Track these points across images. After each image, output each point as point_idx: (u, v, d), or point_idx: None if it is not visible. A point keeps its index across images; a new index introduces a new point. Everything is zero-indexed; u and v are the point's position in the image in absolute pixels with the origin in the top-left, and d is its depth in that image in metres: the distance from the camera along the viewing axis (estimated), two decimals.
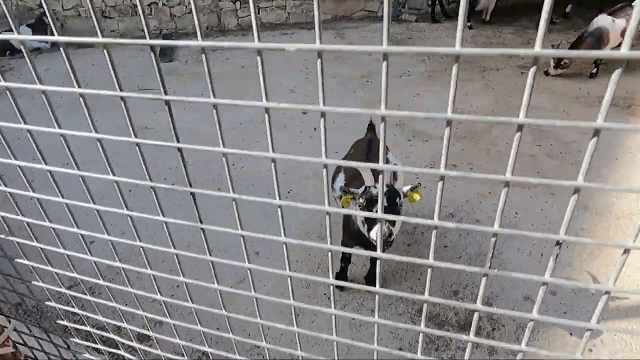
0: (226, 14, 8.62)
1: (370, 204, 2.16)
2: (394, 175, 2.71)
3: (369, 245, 2.44)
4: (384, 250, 2.09)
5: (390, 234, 2.03)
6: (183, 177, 4.04)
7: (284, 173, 3.99)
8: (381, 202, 0.62)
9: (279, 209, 0.74)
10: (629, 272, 2.77)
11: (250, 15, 8.70)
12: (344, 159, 2.96)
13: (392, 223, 2.09)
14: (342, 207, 2.34)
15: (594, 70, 5.70)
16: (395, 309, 2.64)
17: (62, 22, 8.00)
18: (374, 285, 2.90)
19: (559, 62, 5.60)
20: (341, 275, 2.81)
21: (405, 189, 2.30)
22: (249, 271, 0.85)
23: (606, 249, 3.00)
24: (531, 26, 8.05)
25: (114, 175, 0.76)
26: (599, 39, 5.34)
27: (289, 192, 3.74)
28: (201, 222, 0.78)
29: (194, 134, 4.69)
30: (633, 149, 4.12)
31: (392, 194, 2.15)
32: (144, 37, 0.56)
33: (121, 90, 0.62)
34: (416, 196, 2.29)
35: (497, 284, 2.78)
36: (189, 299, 0.96)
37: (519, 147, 0.49)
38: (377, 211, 2.11)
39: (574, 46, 5.54)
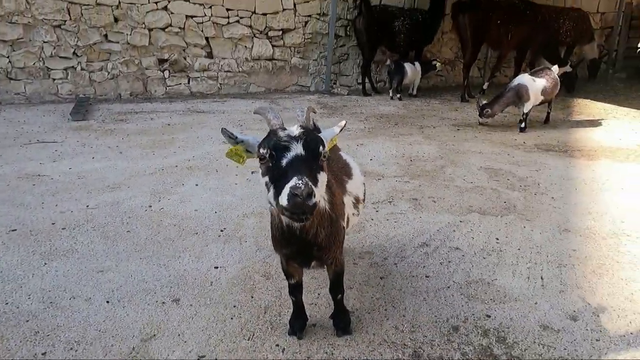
0: (153, 81, 8.15)
1: (277, 154, 1.42)
2: (348, 172, 2.13)
3: (311, 255, 1.71)
4: (303, 221, 1.40)
5: (310, 194, 1.30)
6: (77, 222, 3.12)
7: (215, 212, 3.21)
8: None
9: None
10: None
11: (179, 84, 8.33)
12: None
13: (314, 180, 1.39)
14: (232, 159, 1.67)
15: (522, 125, 5.89)
16: (381, 356, 1.84)
17: None
18: (345, 327, 2.08)
19: (482, 111, 5.85)
20: (296, 317, 1.99)
21: (329, 133, 1.75)
22: None
23: (610, 267, 2.55)
24: (455, 99, 8.56)
25: None
26: (519, 94, 5.75)
27: (222, 230, 2.93)
28: None
29: (101, 179, 3.83)
30: (587, 181, 4.01)
31: (312, 139, 1.46)
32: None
33: None
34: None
35: (503, 313, 2.13)
36: None
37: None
38: (288, 165, 1.37)
39: (496, 98, 5.86)
